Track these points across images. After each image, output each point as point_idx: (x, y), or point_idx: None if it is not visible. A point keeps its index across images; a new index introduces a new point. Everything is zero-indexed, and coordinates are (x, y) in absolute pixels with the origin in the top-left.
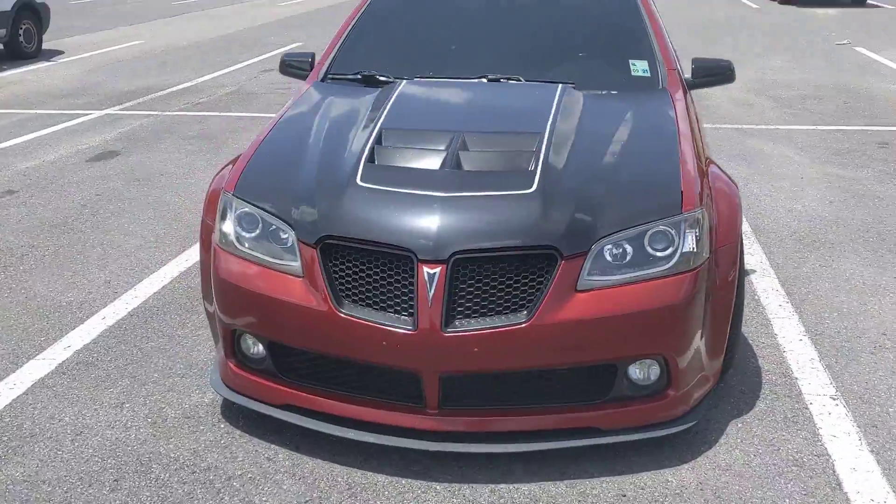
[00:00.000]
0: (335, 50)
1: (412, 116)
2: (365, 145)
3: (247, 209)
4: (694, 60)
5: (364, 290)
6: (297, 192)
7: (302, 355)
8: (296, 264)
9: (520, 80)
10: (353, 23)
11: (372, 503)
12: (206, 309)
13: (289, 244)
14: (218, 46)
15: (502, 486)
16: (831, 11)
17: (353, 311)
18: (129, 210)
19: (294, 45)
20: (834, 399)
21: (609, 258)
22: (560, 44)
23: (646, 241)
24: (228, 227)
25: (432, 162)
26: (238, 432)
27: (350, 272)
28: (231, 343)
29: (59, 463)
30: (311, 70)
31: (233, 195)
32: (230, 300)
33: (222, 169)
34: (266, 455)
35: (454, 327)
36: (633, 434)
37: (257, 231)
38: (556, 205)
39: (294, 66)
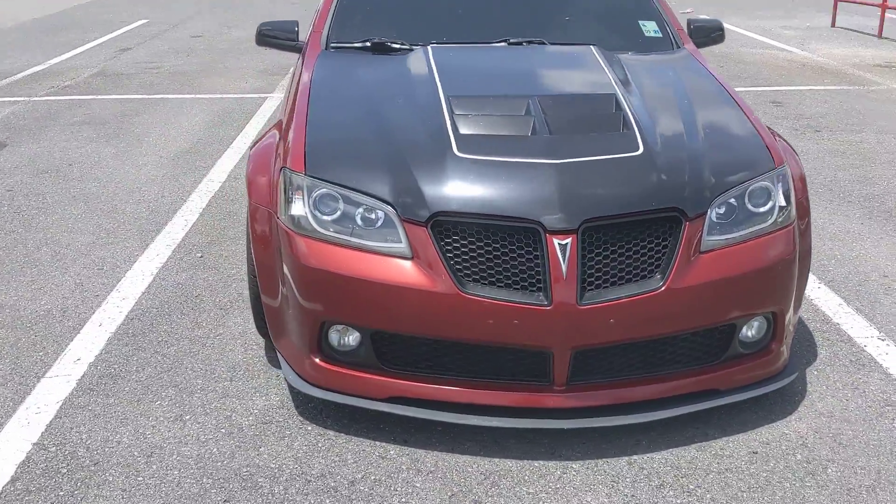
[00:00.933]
0: (329, 17)
1: (468, 83)
2: (440, 114)
3: (324, 189)
4: (690, 21)
5: (485, 267)
6: (386, 168)
7: (410, 342)
8: (401, 245)
9: (544, 43)
10: None
11: (517, 490)
12: (262, 305)
13: (379, 224)
14: (52, 26)
15: (636, 457)
16: None
17: (478, 291)
18: (55, 205)
19: (142, 22)
20: (882, 340)
21: (715, 218)
22: (563, 5)
23: (746, 199)
24: (300, 209)
25: (521, 128)
26: (332, 433)
27: (467, 249)
28: (318, 336)
29: (148, 489)
30: (297, 40)
31: (305, 175)
32: (319, 289)
33: (255, 150)
34: (377, 453)
35: (589, 299)
36: (749, 391)
37: (338, 212)
38: (669, 167)
39: (275, 37)
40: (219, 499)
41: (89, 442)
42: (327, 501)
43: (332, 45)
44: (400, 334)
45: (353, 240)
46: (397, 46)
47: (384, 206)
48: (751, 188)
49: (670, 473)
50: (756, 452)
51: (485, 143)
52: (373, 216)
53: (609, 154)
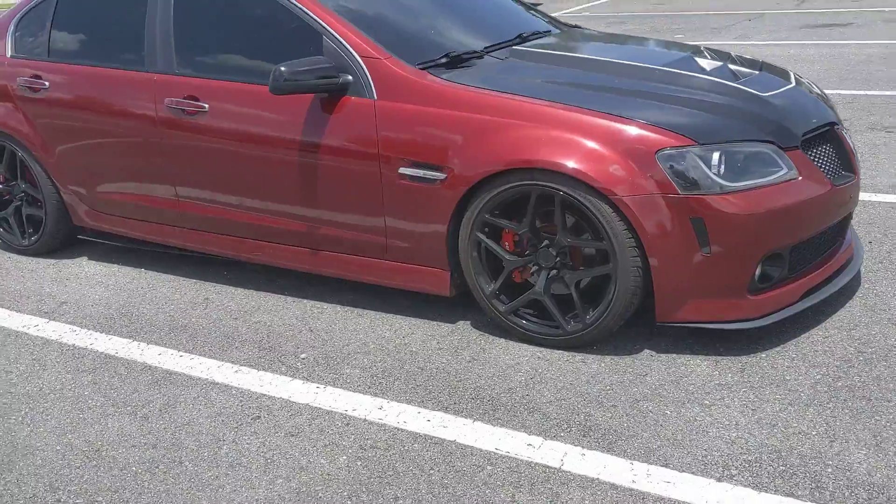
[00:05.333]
0: (374, 42)
1: (643, 57)
2: (693, 78)
3: (718, 151)
4: None
5: (829, 163)
6: (740, 118)
7: (804, 245)
8: (785, 171)
9: (549, 32)
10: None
11: None
12: (661, 290)
13: (766, 161)
14: None
15: None
16: None
17: (838, 182)
18: None
19: None
20: None
21: None
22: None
23: None
24: (707, 175)
25: (742, 72)
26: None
27: (815, 156)
28: (752, 276)
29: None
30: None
31: (698, 145)
32: (760, 230)
33: (572, 162)
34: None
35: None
36: None
37: (723, 164)
38: None
39: (317, 77)
40: None
41: None
42: None
43: (420, 64)
44: (803, 241)
45: (757, 181)
46: (467, 56)
47: (769, 146)
48: None
49: None
50: None
51: (763, 83)
52: (760, 158)
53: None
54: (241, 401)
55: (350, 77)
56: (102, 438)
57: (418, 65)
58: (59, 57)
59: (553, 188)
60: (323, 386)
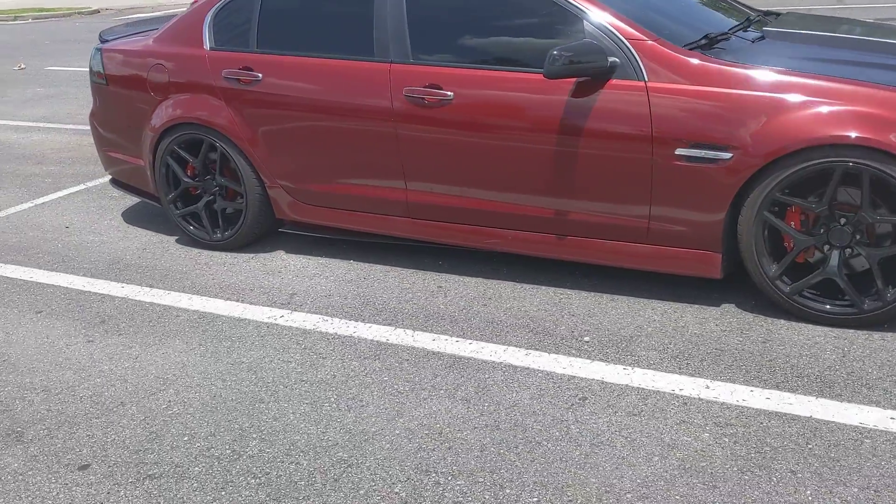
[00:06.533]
0: (635, 27)
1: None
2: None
3: None
4: None
5: None
6: None
7: None
8: None
9: (762, 17)
10: None
11: None
12: None
13: None
14: None
15: None
16: None
17: None
18: None
19: None
20: None
21: None
22: None
23: None
24: None
25: None
26: None
27: None
28: None
29: None
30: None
31: None
32: None
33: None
34: None
35: None
36: None
37: None
38: None
39: (588, 62)
40: None
41: None
42: None
43: (687, 45)
44: None
45: None
46: (720, 38)
47: None
48: None
49: None
50: None
51: None
52: None
53: None
54: (553, 382)
55: (617, 60)
56: (438, 421)
57: (685, 46)
58: (270, 48)
59: (865, 165)
60: (630, 367)
